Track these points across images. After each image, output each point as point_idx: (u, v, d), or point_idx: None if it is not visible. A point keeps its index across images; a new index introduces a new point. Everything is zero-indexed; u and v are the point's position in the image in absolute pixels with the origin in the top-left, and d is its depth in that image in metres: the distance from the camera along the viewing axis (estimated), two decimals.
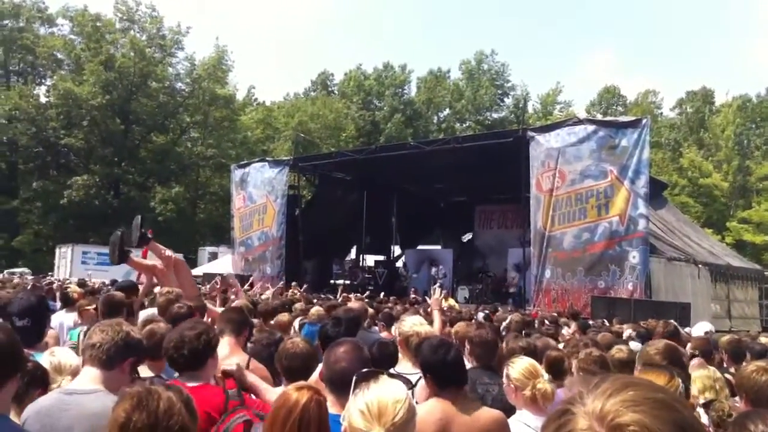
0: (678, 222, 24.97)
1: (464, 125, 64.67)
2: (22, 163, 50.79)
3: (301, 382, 2.81)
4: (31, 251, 46.96)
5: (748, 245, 44.84)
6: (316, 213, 28.25)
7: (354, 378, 2.48)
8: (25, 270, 35.52)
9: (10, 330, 2.86)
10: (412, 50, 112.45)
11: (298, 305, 9.80)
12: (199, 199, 55.08)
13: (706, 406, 3.91)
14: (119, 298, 6.15)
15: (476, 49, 70.72)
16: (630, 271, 18.13)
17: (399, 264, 32.02)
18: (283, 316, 7.71)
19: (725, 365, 6.35)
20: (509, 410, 4.05)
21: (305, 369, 3.85)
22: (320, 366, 3.43)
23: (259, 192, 28.27)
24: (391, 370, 4.57)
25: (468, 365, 4.95)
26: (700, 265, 20.66)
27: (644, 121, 19.11)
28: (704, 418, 3.83)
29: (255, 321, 6.90)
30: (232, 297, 9.51)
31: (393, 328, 6.79)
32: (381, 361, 5.03)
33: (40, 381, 3.35)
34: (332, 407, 2.78)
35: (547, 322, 12.29)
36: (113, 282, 16.85)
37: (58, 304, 8.58)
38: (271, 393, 3.72)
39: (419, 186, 31.29)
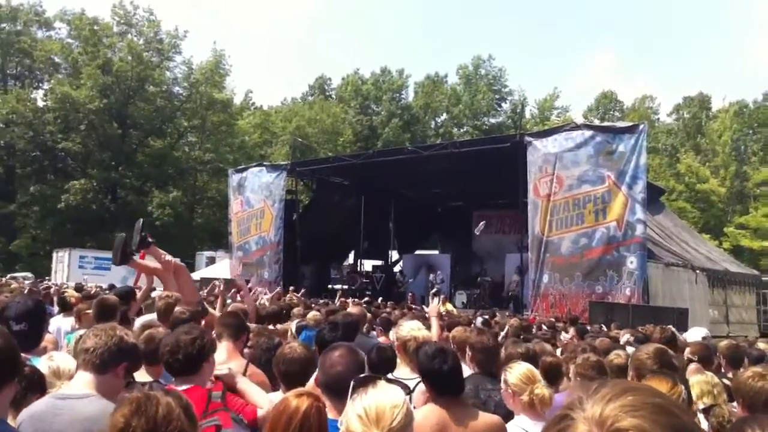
0: (675, 227, 25.03)
1: (462, 130, 64.73)
2: (19, 167, 50.73)
3: (301, 389, 2.81)
4: (29, 255, 46.86)
5: (746, 251, 44.90)
6: (313, 218, 28.24)
7: (352, 383, 2.48)
8: (28, 274, 35.45)
9: (7, 334, 2.85)
10: (409, 55, 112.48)
11: (296, 310, 9.79)
12: (197, 204, 55.04)
13: (706, 411, 3.91)
14: (113, 301, 6.13)
15: (474, 54, 70.80)
16: (628, 276, 18.15)
17: (397, 269, 32.00)
18: (287, 325, 7.73)
19: (723, 370, 6.35)
20: (511, 416, 4.06)
21: (303, 374, 3.84)
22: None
23: (256, 196, 28.27)
24: (390, 375, 4.56)
25: (469, 371, 4.96)
26: (697, 271, 20.71)
27: (641, 126, 19.18)
28: (704, 424, 3.83)
29: (254, 326, 6.88)
30: (237, 298, 9.50)
31: (391, 332, 6.78)
32: (379, 366, 5.02)
33: (37, 386, 3.34)
34: (329, 412, 2.78)
35: (544, 327, 12.31)
36: (111, 286, 16.82)
37: (56, 308, 8.57)
38: (259, 397, 3.71)
39: (417, 191, 31.31)
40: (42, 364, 3.69)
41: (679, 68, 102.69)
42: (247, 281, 21.20)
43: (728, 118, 54.30)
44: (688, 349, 6.96)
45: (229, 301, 9.45)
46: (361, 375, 3.10)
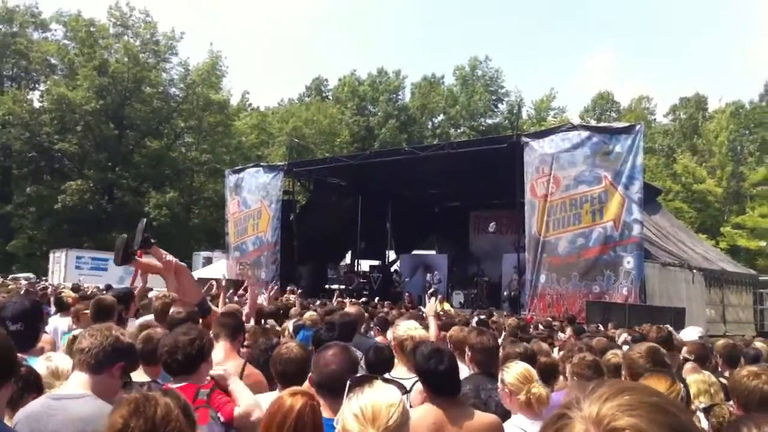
0: (672, 227, 25.06)
1: (458, 131, 64.72)
2: (15, 168, 50.65)
3: (296, 388, 2.81)
4: (25, 256, 46.77)
5: (742, 250, 44.94)
6: (310, 218, 28.24)
7: (348, 382, 2.49)
8: (30, 275, 35.41)
9: (4, 335, 2.85)
10: (406, 56, 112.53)
11: (293, 310, 9.80)
12: (194, 204, 54.98)
13: (707, 410, 3.92)
14: (109, 302, 6.13)
15: (470, 55, 70.93)
16: (625, 276, 18.18)
17: (394, 269, 32.02)
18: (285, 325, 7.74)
19: (720, 370, 6.36)
20: (510, 415, 4.06)
21: (300, 374, 3.84)
22: None
23: (253, 197, 28.26)
24: (387, 375, 4.57)
25: (469, 371, 4.97)
26: (694, 270, 20.74)
27: (638, 127, 19.21)
28: (704, 423, 3.84)
29: (250, 325, 6.89)
30: (235, 299, 9.49)
31: (388, 332, 6.79)
32: (377, 366, 5.02)
33: (34, 386, 3.33)
34: (323, 411, 2.79)
35: (541, 326, 12.32)
36: (107, 287, 16.80)
37: (53, 308, 8.56)
38: (243, 397, 3.71)
39: (414, 191, 31.32)
40: (40, 364, 3.68)
41: (676, 69, 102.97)
42: (243, 281, 21.22)
43: (725, 119, 54.36)
44: (684, 348, 6.97)
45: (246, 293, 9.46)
46: (358, 375, 3.11)
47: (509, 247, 25.13)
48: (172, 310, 5.66)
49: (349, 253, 32.46)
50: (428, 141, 56.10)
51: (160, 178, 51.84)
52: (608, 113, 63.52)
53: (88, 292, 13.59)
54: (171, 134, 54.54)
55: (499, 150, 21.24)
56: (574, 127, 20.34)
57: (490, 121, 66.15)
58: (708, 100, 59.87)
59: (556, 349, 7.65)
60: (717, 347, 7.02)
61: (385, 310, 13.62)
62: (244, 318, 7.06)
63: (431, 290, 21.34)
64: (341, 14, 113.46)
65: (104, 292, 12.37)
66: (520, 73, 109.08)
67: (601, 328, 13.12)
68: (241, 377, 4.14)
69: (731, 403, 3.96)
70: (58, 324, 7.38)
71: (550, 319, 14.97)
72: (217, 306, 8.22)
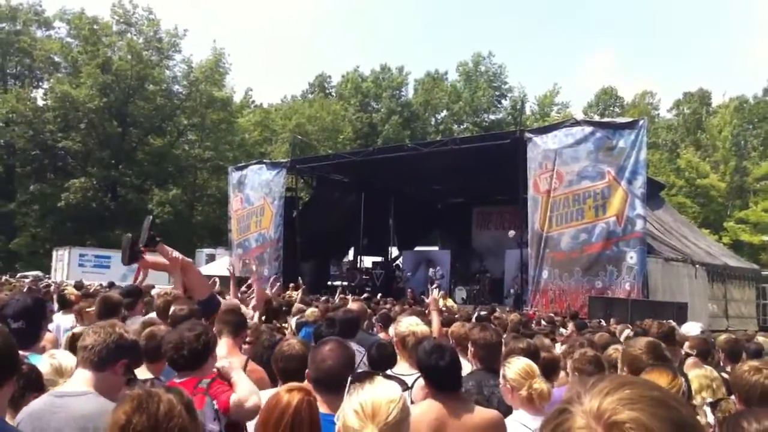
0: (675, 222, 25.00)
1: (462, 127, 64.71)
2: (19, 166, 50.78)
3: (293, 384, 2.82)
4: (28, 254, 46.92)
5: (745, 245, 44.85)
6: (313, 215, 28.23)
7: (350, 379, 2.49)
8: (39, 273, 35.54)
9: (6, 333, 2.85)
10: (409, 52, 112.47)
11: (296, 307, 9.80)
12: (197, 202, 55.07)
13: (713, 405, 3.92)
14: (116, 299, 6.15)
15: (473, 51, 70.82)
16: (627, 271, 18.15)
17: (397, 265, 32.03)
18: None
19: (722, 365, 6.36)
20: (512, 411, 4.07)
21: (301, 371, 3.83)
22: None
23: (256, 194, 28.27)
24: (389, 371, 4.57)
25: (472, 367, 4.96)
26: (697, 265, 20.69)
27: (641, 122, 19.17)
28: (710, 418, 3.84)
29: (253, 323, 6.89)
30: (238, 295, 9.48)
31: (390, 328, 6.79)
32: (380, 362, 5.03)
33: (35, 384, 3.33)
34: (321, 407, 2.80)
35: (544, 322, 12.32)
36: (111, 284, 16.86)
37: (56, 306, 8.57)
38: (243, 387, 3.71)
39: (417, 187, 31.28)
40: (44, 362, 3.69)
41: (679, 65, 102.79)
42: (247, 278, 21.22)
43: (728, 114, 54.21)
44: (686, 343, 6.97)
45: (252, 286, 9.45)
46: (359, 371, 3.11)
47: (512, 243, 25.11)
48: (174, 307, 5.66)
49: (352, 249, 32.47)
50: (431, 137, 56.04)
51: (164, 176, 51.93)
52: (611, 108, 63.45)
53: (91, 290, 13.62)
54: (174, 131, 54.61)
55: (502, 146, 21.22)
56: (577, 123, 20.30)
57: (493, 117, 66.13)
58: (712, 95, 59.81)
59: (558, 345, 7.65)
60: (719, 342, 7.02)
61: (388, 306, 13.61)
62: (251, 313, 7.09)
63: (434, 286, 21.37)
64: (344, 11, 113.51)
65: (107, 289, 12.40)
66: (524, 69, 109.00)
67: (604, 323, 13.10)
68: None
69: (732, 397, 3.96)
70: (60, 322, 7.39)
71: (552, 314, 14.95)
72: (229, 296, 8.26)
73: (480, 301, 23.43)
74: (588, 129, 19.45)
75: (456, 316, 10.29)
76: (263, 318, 7.94)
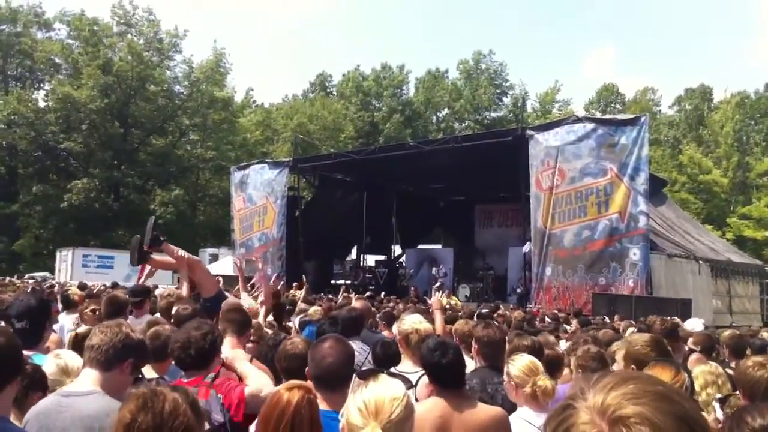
0: (678, 218, 24.99)
1: (463, 125, 64.63)
2: (21, 168, 50.85)
3: (293, 382, 2.82)
4: (32, 255, 46.98)
5: (749, 241, 44.86)
6: (316, 214, 28.25)
7: (354, 376, 2.50)
8: (47, 274, 35.63)
9: (10, 333, 2.86)
10: (409, 51, 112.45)
11: (299, 306, 9.81)
12: (199, 202, 55.10)
13: (722, 401, 3.92)
14: (123, 298, 6.17)
15: (474, 49, 70.70)
16: (631, 267, 18.14)
17: (400, 263, 32.06)
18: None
19: (726, 360, 6.36)
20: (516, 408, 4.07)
21: (305, 369, 3.85)
22: None
23: (258, 193, 28.30)
24: (393, 369, 4.57)
25: (476, 364, 4.97)
26: (700, 261, 20.66)
27: (643, 118, 19.14)
28: (719, 414, 3.83)
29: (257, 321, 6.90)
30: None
31: (394, 326, 6.79)
32: (385, 360, 5.04)
33: (39, 384, 3.34)
34: (320, 404, 2.81)
35: (548, 319, 12.32)
36: (114, 284, 16.89)
37: (59, 306, 8.59)
38: (257, 378, 3.71)
39: (419, 186, 31.30)
40: (50, 362, 3.70)
41: (681, 61, 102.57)
42: (251, 278, 21.23)
43: (730, 109, 54.21)
44: (690, 339, 6.97)
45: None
46: (364, 368, 3.11)
47: (515, 240, 25.12)
48: (177, 306, 5.68)
49: (355, 248, 32.50)
50: (433, 135, 56.00)
51: (166, 176, 51.93)
52: (613, 105, 63.35)
53: (95, 290, 13.65)
54: (176, 132, 54.61)
55: (504, 143, 21.20)
56: (579, 120, 20.29)
57: (494, 115, 66.04)
58: (713, 90, 59.75)
59: (562, 342, 7.65)
60: (723, 338, 7.02)
61: (391, 305, 13.62)
62: (261, 311, 7.10)
63: (437, 284, 21.39)
64: (345, 10, 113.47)
65: (111, 289, 12.42)
66: (525, 66, 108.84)
67: (607, 320, 13.11)
68: None
69: (737, 393, 3.96)
70: (64, 322, 7.40)
71: (556, 311, 14.96)
72: (239, 290, 8.28)
73: (483, 298, 23.44)
74: (590, 126, 19.45)
75: (459, 314, 10.31)
76: (273, 314, 7.94)
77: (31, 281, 23.89)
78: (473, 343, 5.04)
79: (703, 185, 50.64)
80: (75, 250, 36.88)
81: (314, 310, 8.61)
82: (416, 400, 3.78)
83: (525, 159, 20.18)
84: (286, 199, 27.39)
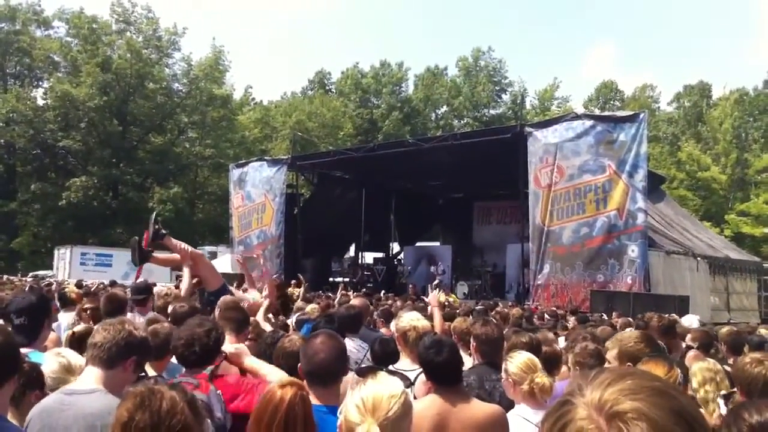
0: (676, 215, 25.02)
1: (462, 122, 64.66)
2: (20, 166, 50.80)
3: (285, 378, 2.83)
4: (30, 253, 46.96)
5: (747, 238, 44.88)
6: (314, 211, 28.27)
7: (354, 374, 2.51)
8: (51, 272, 35.60)
9: (8, 332, 2.86)
10: (408, 48, 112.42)
11: (297, 304, 9.81)
12: (198, 199, 55.08)
13: (727, 398, 3.94)
14: (122, 296, 6.17)
15: (473, 46, 70.72)
16: (629, 264, 18.16)
17: (399, 260, 32.07)
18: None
19: (724, 357, 6.36)
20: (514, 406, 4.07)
21: None
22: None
23: (257, 191, 28.30)
24: (391, 367, 4.58)
25: (473, 361, 4.97)
26: (698, 258, 20.69)
27: (642, 115, 19.16)
28: (723, 410, 3.85)
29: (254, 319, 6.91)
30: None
31: (392, 324, 6.80)
32: (383, 358, 5.04)
33: (36, 382, 3.34)
34: (313, 399, 2.82)
35: (547, 316, 12.33)
36: (112, 283, 16.88)
37: (57, 304, 8.59)
38: (270, 370, 3.72)
39: (417, 183, 31.31)
40: (52, 360, 3.69)
41: (680, 58, 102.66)
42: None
43: (729, 106, 54.15)
44: (689, 336, 6.98)
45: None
46: (363, 366, 3.11)
47: (513, 237, 25.13)
48: (174, 304, 5.68)
49: (353, 245, 32.51)
50: (432, 132, 55.98)
51: (164, 174, 51.89)
52: (612, 102, 63.37)
53: (93, 288, 13.64)
54: (174, 129, 54.55)
55: (502, 140, 21.20)
56: (577, 117, 20.30)
57: (493, 112, 66.06)
58: (712, 87, 59.77)
59: (561, 339, 7.65)
60: (721, 335, 7.03)
61: (389, 302, 13.62)
62: (263, 306, 7.10)
63: (436, 282, 21.38)
64: (344, 7, 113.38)
65: (108, 287, 12.41)
66: (523, 63, 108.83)
67: (605, 317, 13.12)
68: None
69: (734, 389, 3.97)
70: (61, 320, 7.40)
71: (554, 308, 14.98)
72: (244, 285, 8.27)
73: (482, 296, 23.45)
74: (588, 123, 19.45)
75: (457, 311, 10.32)
76: (280, 307, 7.94)
77: (29, 279, 23.87)
78: (471, 340, 5.05)
79: (702, 182, 50.65)
80: (73, 248, 36.82)
81: (311, 308, 8.61)
82: (414, 398, 3.78)
83: (524, 156, 20.19)
84: (284, 196, 27.40)
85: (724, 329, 7.45)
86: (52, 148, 49.43)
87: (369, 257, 32.12)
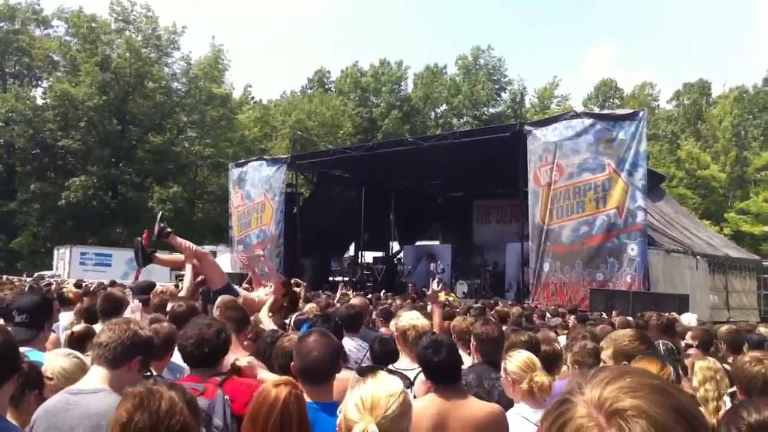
0: (676, 214, 25.01)
1: (461, 120, 64.64)
2: (19, 165, 50.82)
3: (279, 378, 2.84)
4: (29, 253, 46.93)
5: (747, 236, 44.83)
6: (314, 210, 28.27)
7: (354, 373, 2.51)
8: (56, 272, 35.62)
9: (7, 331, 2.86)
10: (408, 46, 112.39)
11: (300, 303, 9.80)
12: (197, 199, 55.05)
13: (733, 396, 3.94)
14: (119, 296, 6.16)
15: (472, 45, 70.62)
16: (628, 263, 18.15)
17: (398, 259, 32.08)
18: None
19: (724, 355, 6.37)
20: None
21: None
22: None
23: (257, 190, 28.29)
24: (390, 366, 4.58)
25: (473, 360, 4.97)
26: (698, 257, 20.69)
27: (641, 113, 19.14)
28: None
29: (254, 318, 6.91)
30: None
31: (391, 323, 6.80)
32: (382, 357, 5.04)
33: (35, 382, 3.34)
34: (306, 397, 2.82)
35: (548, 314, 12.33)
36: (112, 282, 16.88)
37: (57, 304, 8.58)
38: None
39: (417, 182, 31.32)
40: (64, 360, 3.68)
41: (679, 56, 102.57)
42: (248, 274, 21.20)
43: (728, 104, 54.07)
44: (688, 334, 6.98)
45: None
46: (364, 365, 3.12)
47: (513, 236, 25.12)
48: (173, 303, 5.68)
49: (353, 245, 32.51)
50: (431, 131, 55.98)
51: (164, 173, 51.85)
52: (611, 100, 63.34)
53: (92, 288, 13.63)
54: (174, 129, 54.54)
55: (502, 139, 21.20)
56: (577, 115, 20.29)
57: (493, 111, 66.01)
58: (711, 85, 59.69)
59: (562, 338, 7.65)
60: (721, 333, 7.03)
61: (389, 302, 13.61)
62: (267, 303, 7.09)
63: (435, 280, 21.31)
64: (343, 6, 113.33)
65: (107, 287, 12.40)
66: (523, 62, 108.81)
67: (605, 316, 13.11)
68: None
69: (734, 388, 3.98)
70: (60, 320, 7.39)
71: (554, 307, 14.97)
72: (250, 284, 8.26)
73: (482, 294, 23.45)
74: (588, 121, 19.44)
75: (456, 310, 10.31)
76: (288, 303, 7.93)
77: (29, 279, 23.85)
78: (471, 339, 5.05)
79: (701, 180, 50.59)
80: (72, 248, 36.85)
81: (310, 308, 8.60)
82: (414, 397, 3.78)
83: (523, 155, 20.19)
84: (284, 195, 27.39)
85: (724, 328, 7.46)
86: (51, 148, 49.43)
87: (369, 256, 32.13)
